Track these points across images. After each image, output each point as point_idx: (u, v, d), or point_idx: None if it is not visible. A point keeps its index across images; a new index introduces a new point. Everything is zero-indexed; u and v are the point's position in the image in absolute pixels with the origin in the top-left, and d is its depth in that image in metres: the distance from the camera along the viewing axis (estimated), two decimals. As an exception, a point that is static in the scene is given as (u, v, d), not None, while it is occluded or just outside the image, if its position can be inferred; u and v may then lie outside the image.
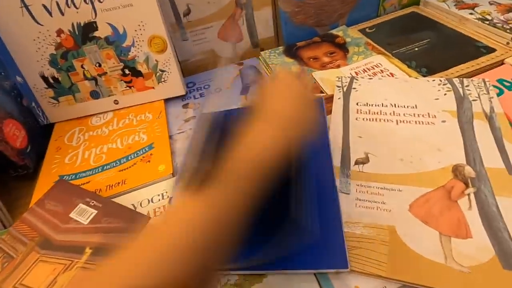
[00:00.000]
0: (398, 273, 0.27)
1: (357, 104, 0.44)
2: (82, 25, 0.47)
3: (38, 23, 0.46)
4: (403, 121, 0.40)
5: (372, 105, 0.44)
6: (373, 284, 0.28)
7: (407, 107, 0.42)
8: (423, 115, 0.41)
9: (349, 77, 0.49)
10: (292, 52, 0.60)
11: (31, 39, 0.47)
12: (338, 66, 0.55)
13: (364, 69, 0.53)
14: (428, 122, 0.39)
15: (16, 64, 0.47)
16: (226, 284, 0.30)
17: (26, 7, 0.45)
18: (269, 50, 0.62)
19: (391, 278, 0.27)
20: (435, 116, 0.40)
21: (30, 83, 0.49)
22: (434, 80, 0.45)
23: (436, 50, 0.54)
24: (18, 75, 0.48)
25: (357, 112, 0.43)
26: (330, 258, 0.28)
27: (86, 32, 0.48)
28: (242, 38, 0.63)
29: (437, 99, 0.42)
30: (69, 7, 0.45)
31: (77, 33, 0.47)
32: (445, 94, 0.43)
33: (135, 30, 0.48)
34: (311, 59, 0.58)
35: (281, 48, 0.61)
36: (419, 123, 0.40)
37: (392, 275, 0.27)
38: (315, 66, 0.56)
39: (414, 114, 0.41)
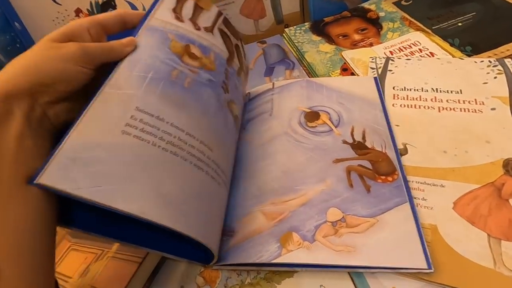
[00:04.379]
0: (441, 277, 0.25)
1: (393, 88, 0.41)
2: (100, 3, 0.45)
3: (56, 2, 0.44)
4: (446, 108, 0.37)
5: (410, 89, 0.40)
6: (411, 286, 0.26)
7: (451, 92, 0.38)
8: (469, 102, 0.37)
9: (384, 58, 0.45)
10: (319, 28, 0.56)
11: (50, 20, 0.45)
12: (371, 45, 0.50)
13: (400, 48, 0.48)
14: (475, 110, 0.36)
15: (36, 47, 0.46)
16: (256, 278, 0.30)
17: (43, -15, 0.43)
18: (294, 26, 0.57)
19: (433, 281, 0.26)
20: (483, 103, 0.36)
21: (51, 66, 0.49)
22: (482, 61, 0.41)
23: (483, 25, 0.48)
24: (39, 57, 0.47)
25: (394, 98, 0.39)
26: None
27: (104, 10, 0.46)
28: (265, 14, 0.59)
29: (486, 83, 0.38)
30: (86, -16, 0.43)
31: (95, 12, 0.45)
32: (495, 78, 0.38)
33: (155, 8, 0.46)
34: (340, 37, 0.53)
35: (307, 25, 0.57)
36: (465, 110, 0.36)
37: (434, 278, 0.25)
38: (345, 45, 0.52)
39: (458, 101, 0.37)
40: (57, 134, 0.22)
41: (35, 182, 0.18)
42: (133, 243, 0.26)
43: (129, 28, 0.27)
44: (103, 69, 0.24)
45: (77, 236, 0.33)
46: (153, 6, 0.29)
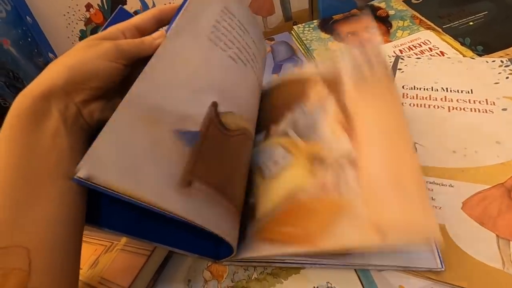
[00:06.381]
0: (449, 276, 0.25)
1: (403, 87, 0.40)
2: (111, -2, 0.45)
3: (67, -3, 0.44)
4: (456, 108, 0.37)
5: (420, 88, 0.40)
6: (419, 285, 0.26)
7: (461, 92, 0.38)
8: (480, 102, 0.36)
9: (393, 56, 0.45)
10: (328, 26, 0.56)
11: (60, 14, 0.46)
12: (380, 43, 0.50)
13: (409, 47, 0.48)
14: (486, 110, 0.36)
15: (48, 41, 0.47)
16: (263, 273, 0.30)
17: (55, -20, 0.43)
18: (303, 24, 0.57)
19: (441, 280, 0.25)
20: (494, 103, 0.36)
21: (61, 60, 0.49)
22: (494, 61, 0.40)
23: (495, 24, 0.48)
24: (50, 52, 0.48)
25: (403, 97, 0.39)
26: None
27: (115, 6, 0.46)
28: (273, 11, 0.59)
29: (497, 83, 0.38)
30: (97, -21, 0.44)
31: (106, 7, 0.46)
32: (507, 78, 0.38)
33: (165, 4, 0.46)
34: (349, 35, 0.53)
35: (315, 22, 0.57)
36: (475, 110, 0.36)
37: (441, 277, 0.25)
38: (354, 43, 0.51)
39: (469, 100, 0.37)
40: (92, 132, 0.23)
41: (74, 177, 0.18)
42: (151, 240, 0.26)
43: (165, 24, 0.27)
44: (139, 68, 0.24)
45: (87, 228, 0.33)
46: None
